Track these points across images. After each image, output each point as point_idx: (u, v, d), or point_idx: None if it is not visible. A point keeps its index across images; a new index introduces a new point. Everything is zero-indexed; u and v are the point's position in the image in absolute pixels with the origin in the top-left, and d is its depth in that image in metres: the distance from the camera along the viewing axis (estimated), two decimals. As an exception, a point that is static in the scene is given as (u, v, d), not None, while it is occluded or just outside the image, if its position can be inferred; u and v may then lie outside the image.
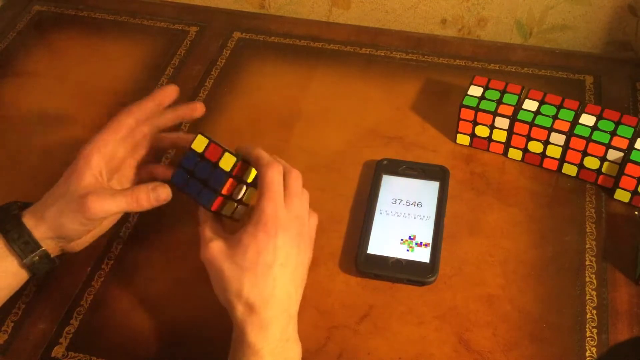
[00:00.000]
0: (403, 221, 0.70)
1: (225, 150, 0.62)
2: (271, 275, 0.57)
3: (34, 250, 0.61)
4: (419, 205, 0.71)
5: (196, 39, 0.96)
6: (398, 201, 0.72)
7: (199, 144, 0.63)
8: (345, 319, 0.65)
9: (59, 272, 0.69)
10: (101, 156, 0.63)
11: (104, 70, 0.92)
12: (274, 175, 0.60)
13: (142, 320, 0.66)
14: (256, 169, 0.62)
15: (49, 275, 0.69)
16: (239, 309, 0.57)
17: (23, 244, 0.61)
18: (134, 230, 0.73)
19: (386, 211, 0.71)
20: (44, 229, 0.62)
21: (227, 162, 0.61)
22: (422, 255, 0.67)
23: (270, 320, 0.56)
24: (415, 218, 0.70)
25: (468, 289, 0.66)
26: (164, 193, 0.64)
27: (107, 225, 0.67)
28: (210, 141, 0.62)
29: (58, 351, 0.64)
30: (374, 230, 0.70)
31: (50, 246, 0.63)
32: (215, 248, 0.59)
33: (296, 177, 0.63)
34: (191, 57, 0.93)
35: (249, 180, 0.64)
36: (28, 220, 0.62)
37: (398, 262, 0.67)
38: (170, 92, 0.71)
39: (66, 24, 1.00)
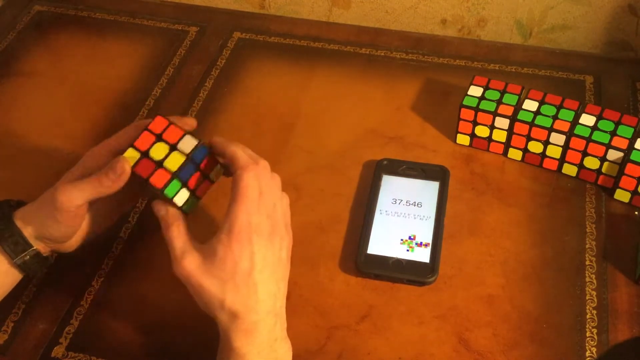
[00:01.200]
0: (403, 221, 0.70)
1: (186, 133, 0.60)
2: (251, 281, 0.56)
3: (25, 249, 0.61)
4: (419, 205, 0.71)
5: (196, 39, 0.96)
6: (398, 201, 0.72)
7: (157, 126, 0.61)
8: (345, 319, 0.65)
9: (59, 272, 0.69)
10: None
11: (104, 70, 0.92)
12: (250, 180, 0.57)
13: (142, 320, 0.66)
14: (231, 169, 0.59)
15: (49, 275, 0.69)
16: (223, 318, 0.56)
17: (13, 243, 0.61)
18: (134, 230, 0.73)
19: (386, 211, 0.71)
20: (31, 229, 0.62)
21: (186, 146, 0.59)
22: (422, 255, 0.67)
23: (255, 324, 0.55)
24: (415, 218, 0.70)
25: (468, 289, 0.66)
26: (120, 166, 0.59)
27: (93, 221, 0.65)
28: (170, 122, 0.61)
29: (58, 351, 0.64)
30: (374, 230, 0.70)
31: (40, 246, 0.63)
32: (191, 263, 0.57)
33: (264, 167, 0.59)
34: (191, 57, 0.93)
35: (214, 178, 0.62)
36: (19, 220, 0.62)
37: (398, 262, 0.67)
38: (190, 123, 0.67)
39: (66, 24, 1.00)
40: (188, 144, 0.60)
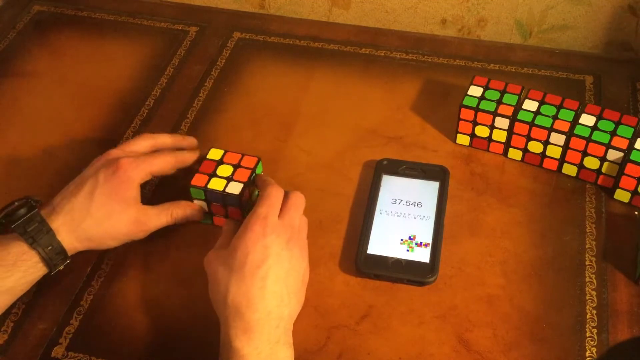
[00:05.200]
0: (403, 221, 0.70)
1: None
2: (258, 276, 0.57)
3: (64, 260, 0.65)
4: (419, 205, 0.71)
5: (196, 39, 0.96)
6: (398, 201, 0.72)
7: (214, 154, 0.71)
8: (345, 319, 0.65)
9: (59, 272, 0.69)
10: (141, 176, 0.68)
11: (104, 70, 0.92)
12: (273, 191, 0.63)
13: (142, 320, 0.66)
14: (261, 187, 0.65)
15: (49, 275, 0.69)
16: (225, 314, 0.57)
17: (55, 254, 0.64)
18: (134, 230, 0.73)
19: (386, 211, 0.71)
20: (79, 243, 0.65)
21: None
22: (422, 255, 0.67)
23: (255, 323, 0.56)
24: (415, 218, 0.70)
25: (468, 289, 0.66)
26: (198, 216, 0.71)
27: None
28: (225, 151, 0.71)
29: (58, 351, 0.64)
30: (374, 230, 0.70)
31: (73, 252, 0.66)
32: (213, 252, 0.61)
33: (297, 196, 0.65)
34: (191, 57, 0.93)
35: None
36: (62, 234, 0.64)
37: (398, 262, 0.67)
38: (191, 143, 0.76)
39: (66, 24, 1.00)
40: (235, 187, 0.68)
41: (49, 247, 0.63)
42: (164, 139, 0.74)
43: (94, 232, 0.65)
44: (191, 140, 0.76)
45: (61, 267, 0.65)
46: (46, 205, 0.66)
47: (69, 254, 0.65)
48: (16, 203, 0.65)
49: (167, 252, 0.71)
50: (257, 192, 0.70)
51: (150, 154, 0.71)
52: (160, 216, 0.69)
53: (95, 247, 0.67)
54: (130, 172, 0.67)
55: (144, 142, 0.72)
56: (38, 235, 0.62)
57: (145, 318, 0.66)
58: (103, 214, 0.65)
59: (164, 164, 0.70)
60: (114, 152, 0.69)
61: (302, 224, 0.65)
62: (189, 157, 0.73)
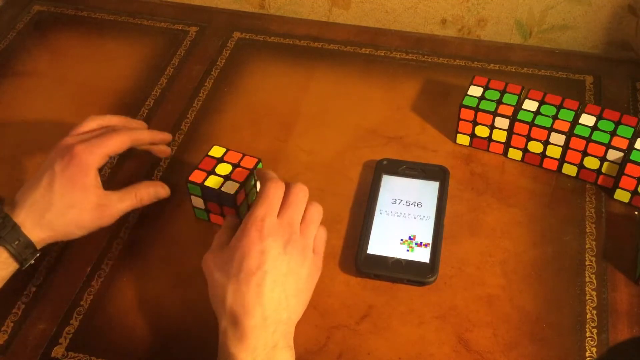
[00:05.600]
0: (403, 221, 0.70)
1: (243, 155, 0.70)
2: (254, 282, 0.56)
3: (34, 254, 0.64)
4: (419, 205, 0.71)
5: (196, 39, 0.96)
6: (398, 201, 0.72)
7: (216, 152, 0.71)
8: (345, 319, 0.65)
9: (59, 272, 0.69)
10: (97, 160, 0.67)
11: (104, 70, 0.92)
12: (271, 189, 0.61)
13: (142, 320, 0.66)
14: (260, 184, 0.64)
15: (49, 275, 0.69)
16: (224, 320, 0.56)
17: (23, 248, 0.63)
18: (133, 231, 0.73)
19: (386, 211, 0.71)
20: (45, 235, 0.64)
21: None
22: (422, 255, 0.67)
23: (250, 330, 0.55)
24: (415, 218, 0.70)
25: (468, 289, 0.66)
26: (164, 192, 0.72)
27: None
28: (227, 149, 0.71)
29: (58, 351, 0.64)
30: (374, 230, 0.69)
31: (41, 237, 0.65)
32: (210, 255, 0.60)
33: (298, 189, 0.62)
34: (191, 57, 0.93)
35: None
36: (27, 228, 0.63)
37: (398, 262, 0.67)
38: (165, 138, 0.78)
39: (66, 24, 1.00)
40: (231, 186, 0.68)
41: (16, 242, 0.62)
42: (112, 119, 0.73)
43: (59, 222, 0.65)
44: (164, 136, 0.77)
45: (32, 261, 0.64)
46: (8, 202, 0.66)
47: (37, 247, 0.64)
48: None
49: (166, 252, 0.71)
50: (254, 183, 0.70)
51: (103, 134, 0.69)
52: (123, 199, 0.68)
53: (62, 238, 0.66)
54: (85, 158, 0.66)
55: (92, 123, 0.71)
56: (3, 230, 0.62)
57: (145, 318, 0.66)
58: (65, 203, 0.65)
59: (119, 144, 0.69)
60: (66, 140, 0.68)
61: (320, 234, 0.63)
62: (145, 135, 0.72)
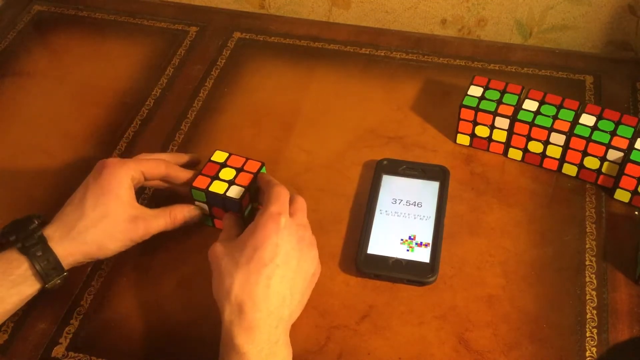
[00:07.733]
0: (403, 221, 0.70)
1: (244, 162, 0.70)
2: (264, 274, 0.57)
3: (59, 274, 0.62)
4: (419, 205, 0.71)
5: (196, 39, 0.96)
6: (398, 201, 0.72)
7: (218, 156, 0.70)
8: (345, 319, 0.65)
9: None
10: (129, 173, 0.66)
11: (104, 70, 0.92)
12: (282, 191, 0.63)
13: (142, 320, 0.66)
14: (265, 190, 0.65)
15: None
16: (228, 310, 0.56)
17: (52, 269, 0.62)
18: (134, 230, 0.73)
19: (386, 211, 0.71)
20: (74, 249, 0.62)
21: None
22: (422, 255, 0.67)
23: (257, 322, 0.55)
24: (415, 218, 0.70)
25: (468, 289, 0.66)
26: (196, 216, 0.70)
27: None
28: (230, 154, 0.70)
29: (58, 351, 0.64)
30: (374, 230, 0.70)
31: (72, 265, 0.64)
32: (220, 244, 0.61)
33: (302, 200, 0.65)
34: (191, 57, 0.93)
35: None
36: (54, 241, 0.62)
37: (398, 262, 0.67)
38: (189, 160, 0.75)
39: (66, 24, 1.00)
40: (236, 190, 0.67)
41: (41, 256, 0.61)
42: (160, 155, 0.72)
43: (89, 233, 0.63)
44: (193, 156, 0.75)
45: (58, 281, 0.62)
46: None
47: (64, 263, 0.62)
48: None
49: (167, 253, 0.71)
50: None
51: (139, 155, 0.70)
52: (158, 218, 0.67)
53: (93, 254, 0.64)
54: (117, 169, 0.65)
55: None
56: (30, 245, 0.61)
57: (145, 318, 0.66)
58: (98, 213, 0.63)
59: (155, 165, 0.68)
60: (102, 160, 0.68)
61: (315, 259, 0.64)
62: (182, 174, 0.70)
